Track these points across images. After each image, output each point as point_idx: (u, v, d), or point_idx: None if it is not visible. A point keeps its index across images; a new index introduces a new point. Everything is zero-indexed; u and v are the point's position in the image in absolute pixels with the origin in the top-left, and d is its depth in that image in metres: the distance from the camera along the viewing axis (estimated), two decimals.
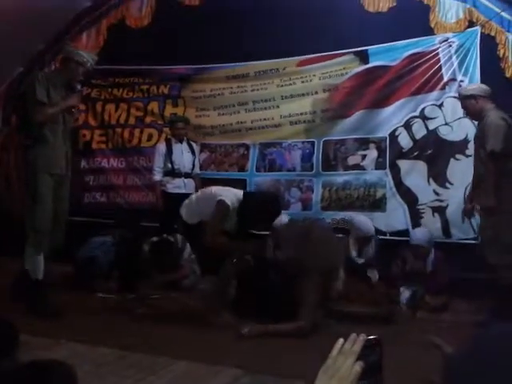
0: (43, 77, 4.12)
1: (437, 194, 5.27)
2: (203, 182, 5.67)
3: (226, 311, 3.98)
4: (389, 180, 5.48)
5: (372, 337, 0.99)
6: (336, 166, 5.76)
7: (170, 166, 5.68)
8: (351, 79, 5.74)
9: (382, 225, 5.34)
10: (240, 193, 4.26)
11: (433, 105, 5.37)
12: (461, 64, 5.26)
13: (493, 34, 5.18)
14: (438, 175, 5.28)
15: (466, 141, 5.09)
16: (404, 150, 5.46)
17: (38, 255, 3.98)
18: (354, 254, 4.94)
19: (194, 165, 5.82)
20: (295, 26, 5.76)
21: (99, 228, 5.67)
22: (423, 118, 5.41)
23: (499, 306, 3.77)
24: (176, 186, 5.65)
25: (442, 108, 5.33)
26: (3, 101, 6.91)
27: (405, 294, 4.68)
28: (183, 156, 5.75)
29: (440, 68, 5.34)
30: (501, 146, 3.96)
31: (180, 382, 2.81)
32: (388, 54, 5.60)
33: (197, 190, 5.18)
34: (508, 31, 5.12)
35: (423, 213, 5.30)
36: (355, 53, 5.73)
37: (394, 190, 5.44)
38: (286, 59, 6.00)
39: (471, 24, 5.30)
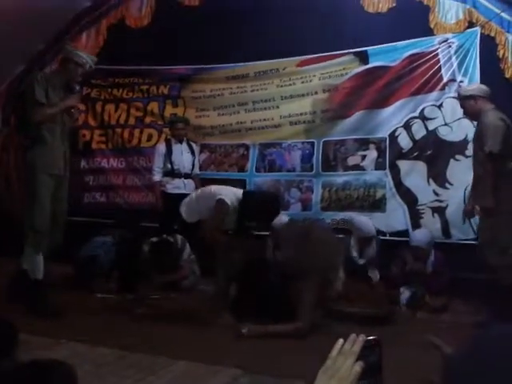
0: (42, 77, 4.13)
1: (436, 194, 5.28)
2: (203, 183, 5.66)
3: (225, 311, 3.99)
4: (388, 180, 5.48)
5: (371, 337, 0.99)
6: (336, 166, 5.76)
7: (169, 166, 5.67)
8: (351, 80, 5.75)
9: (382, 225, 5.34)
10: (239, 192, 4.27)
11: (432, 105, 5.38)
12: (460, 64, 5.26)
13: (492, 34, 5.18)
14: (438, 176, 5.28)
15: (465, 141, 5.10)
16: (404, 151, 5.47)
17: (37, 255, 3.98)
18: (354, 254, 4.95)
19: (193, 165, 5.82)
20: (295, 26, 5.76)
21: (99, 228, 5.67)
22: (423, 118, 5.41)
23: (499, 307, 3.77)
24: (176, 186, 5.65)
25: (442, 108, 5.33)
26: (3, 101, 6.91)
27: (405, 294, 4.69)
28: (183, 156, 5.75)
29: (440, 68, 5.35)
30: (499, 147, 3.95)
31: (179, 381, 2.81)
32: (388, 55, 5.60)
33: None
34: (508, 32, 5.13)
35: (423, 213, 5.30)
36: (355, 53, 5.74)
37: (394, 190, 5.45)
38: (286, 59, 6.01)
39: (471, 25, 5.30)
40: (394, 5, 5.59)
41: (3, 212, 6.39)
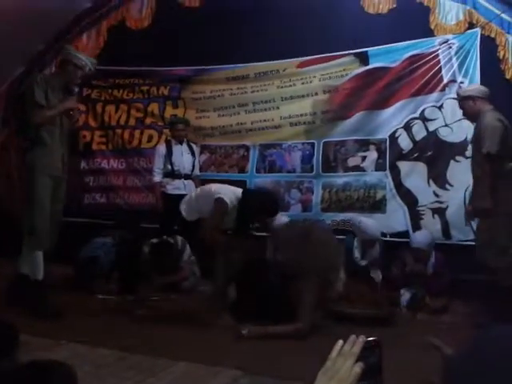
0: (42, 79, 4.14)
1: (437, 195, 5.28)
2: (203, 184, 5.65)
3: (224, 312, 3.99)
4: (389, 181, 5.48)
5: (371, 338, 0.99)
6: (336, 167, 5.76)
7: (169, 167, 5.68)
8: (351, 80, 5.75)
9: (382, 226, 5.33)
10: (239, 191, 4.28)
11: (433, 106, 5.38)
12: (461, 65, 5.26)
13: (493, 35, 5.19)
14: (438, 177, 5.28)
15: (465, 142, 5.09)
16: (404, 152, 5.47)
17: (36, 256, 3.98)
18: (357, 255, 4.95)
19: (193, 166, 5.82)
20: (295, 27, 5.76)
21: (99, 229, 5.66)
22: (423, 119, 5.41)
23: (499, 308, 3.77)
24: (176, 187, 5.65)
25: (442, 109, 5.33)
26: (4, 101, 6.91)
27: (405, 296, 4.69)
28: (183, 157, 5.75)
29: (440, 69, 5.35)
30: (497, 148, 3.95)
31: (180, 383, 2.81)
32: (388, 56, 5.61)
33: None
34: (508, 33, 5.13)
35: (423, 214, 5.30)
36: (355, 54, 5.74)
37: (394, 191, 5.45)
38: (286, 60, 6.02)
39: (471, 26, 5.31)
40: (395, 6, 5.60)
41: (3, 212, 6.40)
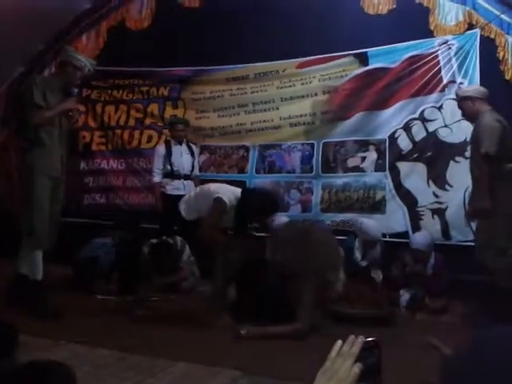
0: (41, 80, 4.16)
1: (436, 196, 5.28)
2: (202, 184, 5.66)
3: (224, 312, 3.99)
4: (388, 182, 5.48)
5: (370, 339, 0.99)
6: (335, 167, 5.76)
7: (169, 167, 5.68)
8: (351, 81, 5.75)
9: (382, 227, 5.32)
10: (238, 190, 4.30)
11: (432, 107, 5.38)
12: (460, 66, 5.27)
13: (492, 36, 5.19)
14: (438, 177, 5.28)
15: (465, 143, 5.09)
16: (403, 152, 5.47)
17: (36, 256, 3.99)
18: (357, 256, 4.95)
19: (193, 166, 5.82)
20: (295, 28, 5.77)
21: (99, 229, 5.66)
22: (423, 120, 5.41)
23: (498, 309, 3.77)
24: (175, 187, 5.65)
25: (442, 110, 5.33)
26: (4, 101, 6.91)
27: (405, 296, 4.69)
28: (182, 158, 5.75)
29: (439, 70, 5.35)
30: (495, 149, 3.95)
31: (179, 383, 2.81)
32: (388, 56, 5.61)
33: None
34: (507, 33, 5.13)
35: (423, 215, 5.30)
36: (355, 55, 5.74)
37: (394, 192, 5.45)
38: (286, 61, 6.02)
39: (471, 26, 5.31)
40: (394, 6, 5.60)
41: (3, 212, 6.39)
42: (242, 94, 6.23)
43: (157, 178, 5.72)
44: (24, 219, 4.04)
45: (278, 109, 6.06)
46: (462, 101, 4.36)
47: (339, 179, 5.71)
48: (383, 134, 5.56)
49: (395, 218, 5.41)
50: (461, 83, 5.21)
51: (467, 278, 4.43)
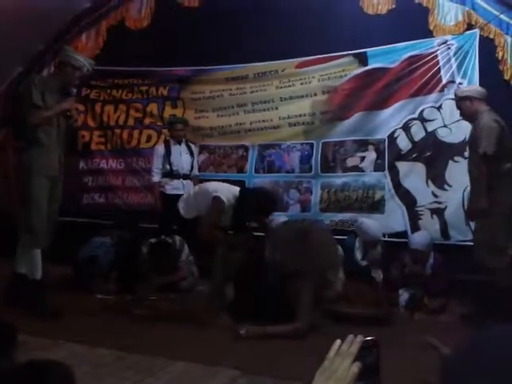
0: (39, 80, 4.16)
1: (435, 195, 5.28)
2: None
3: (223, 312, 3.99)
4: (387, 182, 5.48)
5: (369, 338, 0.99)
6: (335, 167, 5.77)
7: (168, 167, 5.67)
8: (350, 81, 5.75)
9: (381, 226, 5.33)
10: (236, 189, 4.31)
11: (431, 107, 5.38)
12: (459, 66, 5.27)
13: (491, 36, 5.19)
14: (437, 177, 5.28)
15: (464, 143, 5.08)
16: (403, 152, 5.47)
17: (34, 255, 3.99)
18: (358, 256, 4.95)
19: (192, 166, 5.82)
20: (294, 27, 5.76)
21: (98, 229, 5.66)
22: (422, 119, 5.42)
23: (497, 308, 3.77)
24: (174, 187, 5.65)
25: (441, 110, 5.34)
26: (2, 101, 6.90)
27: (403, 296, 4.69)
28: (182, 157, 5.74)
29: (439, 70, 5.36)
30: (493, 149, 3.97)
31: (178, 383, 2.81)
32: (387, 56, 5.61)
33: None
34: (507, 34, 5.13)
35: (422, 215, 5.31)
36: (354, 55, 5.74)
37: (393, 191, 5.45)
38: (285, 61, 6.02)
39: (470, 26, 5.31)
40: (394, 6, 5.60)
41: (1, 211, 6.38)
42: (242, 93, 6.23)
43: (156, 178, 5.72)
44: (22, 218, 4.04)
45: (277, 108, 6.06)
46: (460, 101, 4.37)
47: (338, 179, 5.71)
48: (382, 134, 5.57)
49: (394, 217, 5.41)
50: (460, 83, 5.22)
51: (466, 278, 4.43)
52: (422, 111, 5.42)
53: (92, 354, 3.12)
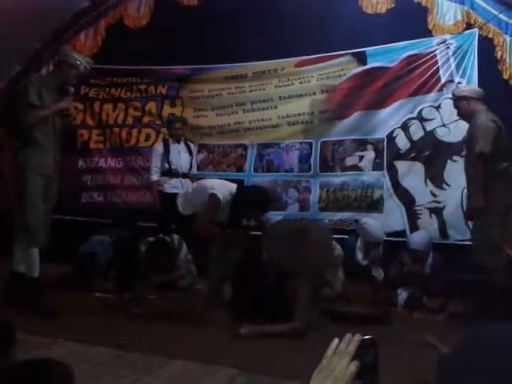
0: (37, 79, 4.15)
1: (434, 195, 5.28)
2: None
3: (221, 311, 3.99)
4: (386, 181, 5.48)
5: (367, 337, 0.99)
6: (334, 166, 5.77)
7: (167, 166, 5.67)
8: (349, 80, 5.75)
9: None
10: (233, 186, 4.32)
11: (430, 106, 5.39)
12: (458, 66, 5.27)
13: (490, 36, 5.19)
14: (435, 176, 5.29)
15: (463, 142, 5.06)
16: (401, 151, 5.47)
17: (32, 253, 3.99)
18: (359, 256, 4.95)
19: (191, 165, 5.82)
20: (293, 26, 5.76)
21: (97, 228, 5.66)
22: (421, 119, 5.42)
23: (495, 307, 3.77)
24: (173, 186, 5.64)
25: (440, 109, 5.34)
26: (0, 100, 6.89)
27: (402, 295, 4.70)
28: (180, 156, 5.74)
29: (438, 70, 5.36)
30: (490, 148, 3.98)
31: (176, 381, 2.81)
32: (386, 56, 5.61)
33: None
34: (506, 33, 5.13)
35: (420, 214, 5.31)
36: (353, 54, 5.74)
37: (392, 191, 5.45)
38: (284, 60, 6.01)
39: (469, 26, 5.31)
40: (393, 6, 5.60)
41: None
42: (241, 92, 6.22)
43: (155, 177, 5.71)
44: (18, 217, 4.04)
45: (276, 107, 6.06)
46: (457, 100, 4.38)
47: (337, 178, 5.71)
48: (381, 133, 5.57)
49: (393, 216, 5.41)
50: (459, 83, 5.22)
51: (465, 277, 4.44)
52: (420, 110, 5.42)
53: (90, 352, 3.11)
